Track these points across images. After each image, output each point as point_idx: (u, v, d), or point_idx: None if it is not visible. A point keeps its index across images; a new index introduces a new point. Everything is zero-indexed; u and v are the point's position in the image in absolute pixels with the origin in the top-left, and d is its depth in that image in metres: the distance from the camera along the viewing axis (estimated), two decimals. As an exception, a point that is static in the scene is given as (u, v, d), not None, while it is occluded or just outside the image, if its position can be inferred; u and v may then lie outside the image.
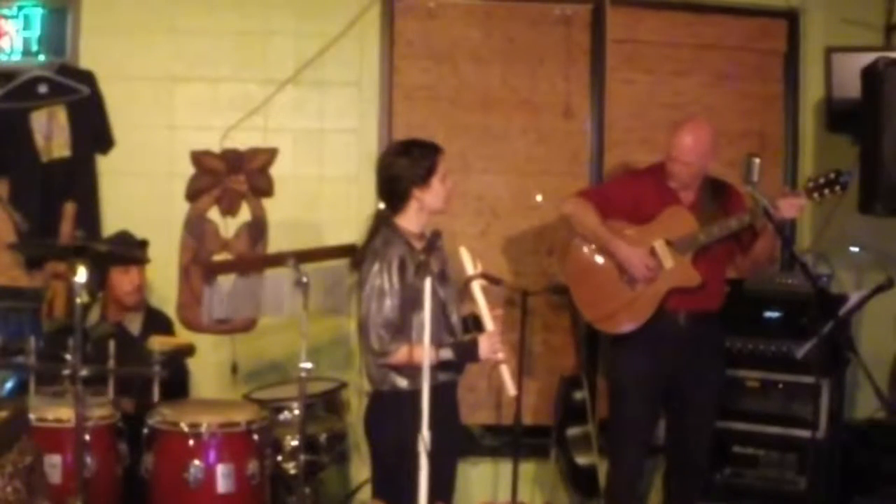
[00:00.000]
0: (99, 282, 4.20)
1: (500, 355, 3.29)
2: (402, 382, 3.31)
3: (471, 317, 3.46)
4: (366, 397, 3.51)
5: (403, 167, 3.38)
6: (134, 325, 4.26)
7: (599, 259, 4.13)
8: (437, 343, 3.25)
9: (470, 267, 3.32)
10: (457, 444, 3.60)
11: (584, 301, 4.20)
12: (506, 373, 3.29)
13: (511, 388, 3.30)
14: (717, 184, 4.17)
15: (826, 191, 3.90)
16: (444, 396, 3.40)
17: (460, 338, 3.44)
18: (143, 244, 4.31)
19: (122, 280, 4.20)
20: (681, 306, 4.03)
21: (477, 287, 3.30)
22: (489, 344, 3.29)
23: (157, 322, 4.35)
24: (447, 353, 3.30)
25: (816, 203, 4.03)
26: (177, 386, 4.13)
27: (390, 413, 3.33)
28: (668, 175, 4.07)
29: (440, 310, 3.30)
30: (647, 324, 4.02)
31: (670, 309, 4.03)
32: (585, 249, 4.16)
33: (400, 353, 3.26)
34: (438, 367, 3.29)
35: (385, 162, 3.45)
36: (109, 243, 4.22)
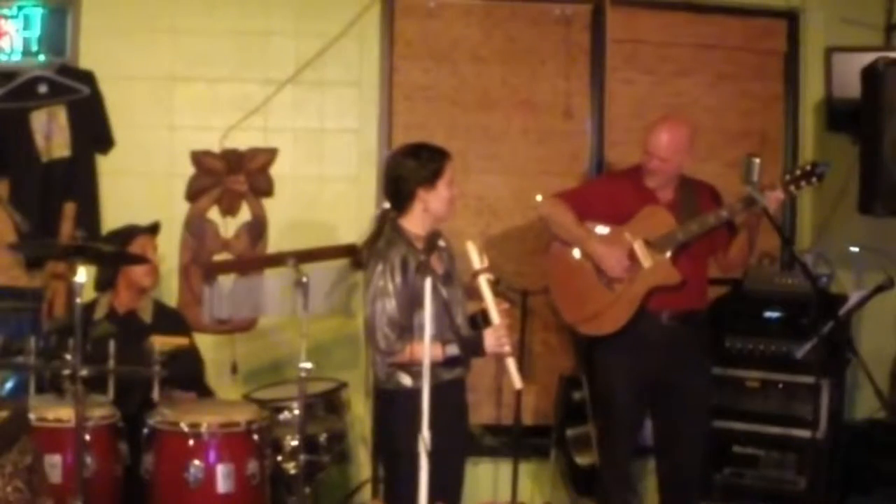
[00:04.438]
0: (109, 278, 4.18)
1: (507, 348, 3.31)
2: (408, 381, 3.34)
3: (480, 313, 3.48)
4: (371, 396, 3.52)
5: (410, 168, 3.41)
6: (145, 314, 4.24)
7: (578, 261, 4.11)
8: (442, 340, 3.30)
9: (477, 261, 3.35)
10: (464, 444, 3.62)
11: (564, 304, 4.18)
12: (512, 366, 3.31)
13: (517, 382, 3.32)
14: (693, 183, 4.16)
15: (803, 182, 3.89)
16: (452, 395, 3.42)
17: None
18: (154, 227, 4.30)
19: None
20: (663, 306, 4.01)
21: (484, 281, 3.33)
22: (495, 337, 3.32)
23: (170, 317, 4.32)
24: (454, 349, 3.33)
25: (794, 195, 4.03)
26: (188, 378, 4.13)
27: (399, 412, 3.35)
28: (645, 172, 4.07)
29: (443, 310, 3.31)
30: (630, 325, 4.00)
31: (652, 309, 4.01)
32: (563, 252, 4.15)
33: (407, 352, 3.29)
34: (445, 364, 3.33)
35: (392, 162, 3.50)
36: (114, 238, 4.19)
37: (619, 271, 3.99)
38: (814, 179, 3.89)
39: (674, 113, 4.35)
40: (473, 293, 3.47)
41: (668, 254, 4.00)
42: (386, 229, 3.43)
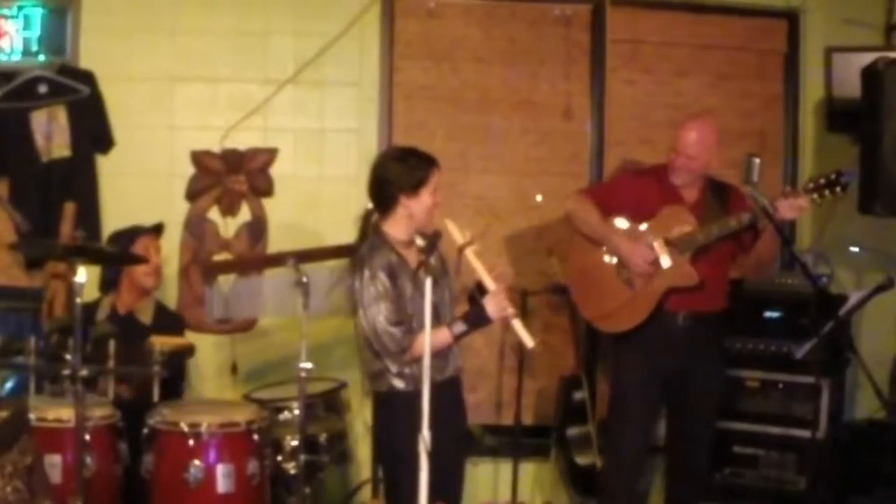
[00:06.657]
0: (113, 279, 4.18)
1: (510, 311, 3.31)
2: (401, 384, 3.34)
3: (475, 288, 3.45)
4: (367, 398, 3.52)
5: (396, 173, 3.38)
6: (145, 315, 4.24)
7: (599, 258, 4.13)
8: (447, 323, 3.34)
9: (459, 237, 3.35)
10: (463, 444, 3.62)
11: (582, 299, 4.21)
12: (519, 327, 3.30)
13: (528, 341, 3.30)
14: (719, 185, 4.17)
15: (826, 191, 3.88)
16: (447, 396, 3.41)
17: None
18: (158, 228, 4.29)
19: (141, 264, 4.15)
20: (680, 307, 4.02)
21: (471, 253, 3.33)
22: (495, 303, 3.31)
23: (168, 318, 4.32)
24: (460, 327, 3.34)
25: (817, 204, 4.02)
26: (171, 385, 4.11)
27: (395, 415, 3.35)
28: (671, 169, 4.07)
29: (433, 312, 3.31)
30: (647, 324, 4.02)
31: (670, 309, 4.02)
32: (585, 248, 4.16)
33: (418, 344, 3.27)
34: (451, 348, 3.37)
35: (379, 164, 3.47)
36: (117, 238, 4.18)
37: (645, 268, 4.00)
38: (838, 189, 3.86)
39: (704, 112, 4.34)
40: (462, 268, 3.45)
41: (688, 255, 4.00)
42: (369, 233, 3.43)
